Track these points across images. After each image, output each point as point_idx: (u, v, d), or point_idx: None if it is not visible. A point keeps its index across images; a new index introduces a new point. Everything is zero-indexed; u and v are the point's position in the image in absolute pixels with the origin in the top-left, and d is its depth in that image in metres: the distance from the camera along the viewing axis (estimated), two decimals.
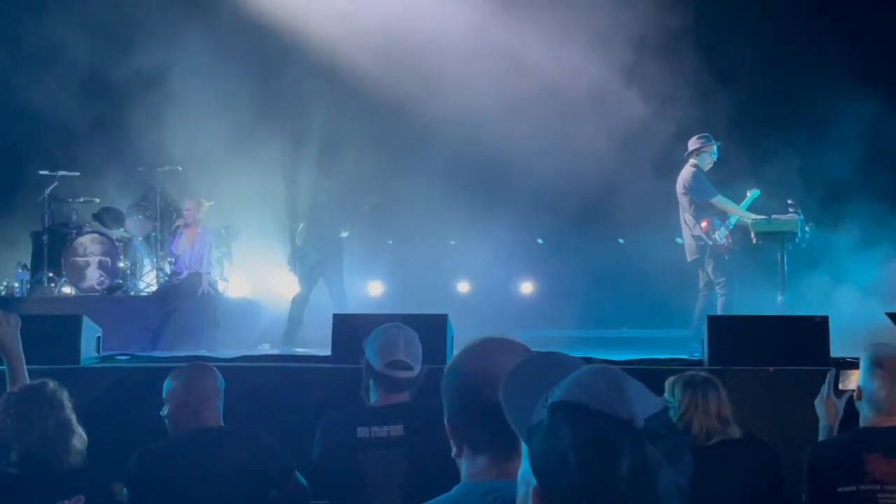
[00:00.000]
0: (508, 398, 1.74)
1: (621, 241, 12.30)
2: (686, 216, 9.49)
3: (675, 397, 4.21)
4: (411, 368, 4.03)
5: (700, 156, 9.51)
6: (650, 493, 1.40)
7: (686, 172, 9.54)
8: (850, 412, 4.13)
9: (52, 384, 3.89)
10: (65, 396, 3.86)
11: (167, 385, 4.29)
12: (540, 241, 12.92)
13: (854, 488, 3.68)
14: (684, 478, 1.45)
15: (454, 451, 2.11)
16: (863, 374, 3.88)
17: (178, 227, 10.84)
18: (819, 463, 3.88)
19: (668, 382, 4.31)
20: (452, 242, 12.51)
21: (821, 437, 4.21)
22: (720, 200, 9.43)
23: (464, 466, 2.07)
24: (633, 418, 1.41)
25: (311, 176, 11.06)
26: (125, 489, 4.16)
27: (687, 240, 9.53)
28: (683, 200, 9.51)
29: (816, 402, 4.30)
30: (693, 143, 9.59)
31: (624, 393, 1.45)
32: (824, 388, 4.27)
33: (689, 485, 1.46)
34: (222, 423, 4.29)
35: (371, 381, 4.08)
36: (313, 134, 12.22)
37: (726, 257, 9.37)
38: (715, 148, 9.56)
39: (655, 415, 1.44)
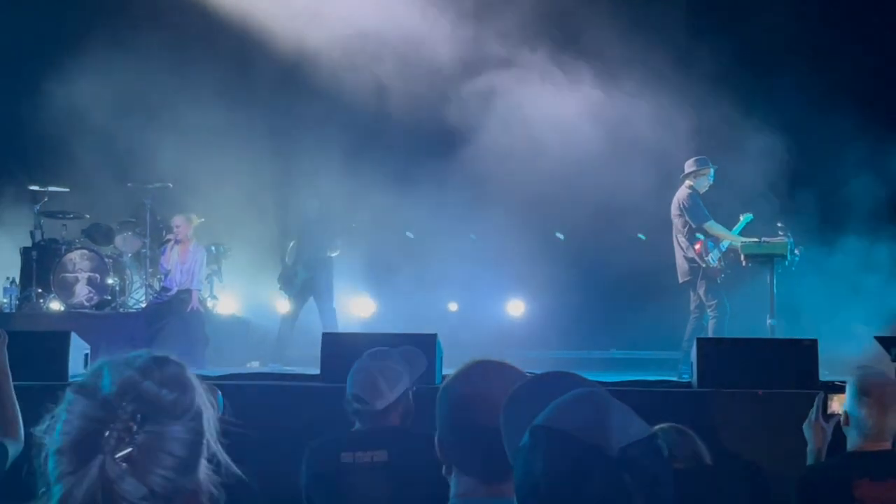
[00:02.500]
0: (507, 419, 1.73)
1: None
2: (680, 238, 9.47)
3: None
4: (367, 403, 4.05)
5: (697, 178, 9.51)
6: None
7: (682, 194, 9.52)
8: (839, 436, 4.13)
9: None
10: None
11: None
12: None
13: None
14: None
15: (444, 468, 2.10)
16: (850, 401, 3.87)
17: (168, 240, 10.79)
18: (808, 488, 3.87)
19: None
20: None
21: (809, 461, 4.20)
22: (711, 226, 9.40)
23: (452, 485, 2.07)
24: (608, 445, 1.39)
25: (301, 194, 11.05)
26: None
27: (679, 261, 9.51)
28: (678, 222, 9.49)
29: (805, 425, 4.29)
30: (690, 166, 9.58)
31: (603, 419, 1.43)
32: (812, 412, 4.26)
33: None
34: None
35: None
36: (303, 152, 12.23)
37: (718, 280, 9.35)
38: (712, 171, 9.56)
39: (636, 442, 1.41)
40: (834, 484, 3.74)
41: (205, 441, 1.58)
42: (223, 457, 1.55)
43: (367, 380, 4.10)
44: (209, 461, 1.51)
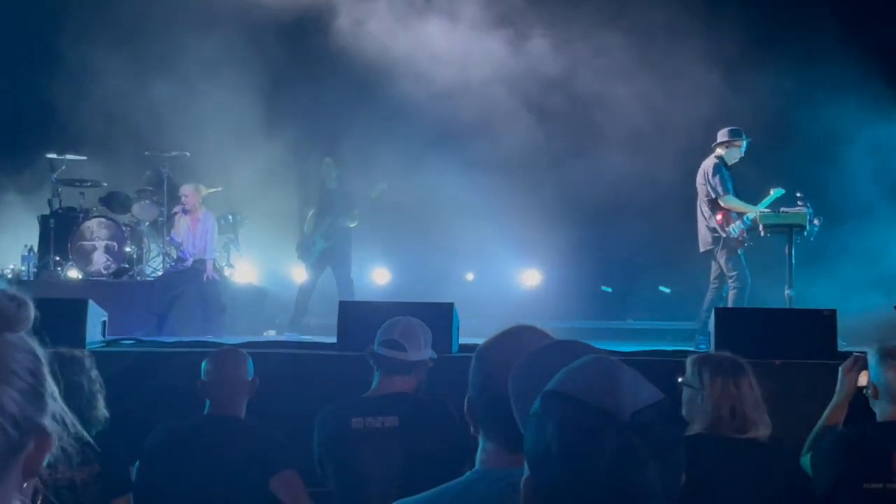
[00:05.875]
0: (515, 388, 1.73)
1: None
2: (703, 206, 9.30)
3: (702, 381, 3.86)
4: (404, 349, 4.07)
5: (729, 149, 9.33)
6: (633, 486, 1.37)
7: (708, 163, 9.34)
8: (855, 410, 4.10)
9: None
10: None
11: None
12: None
13: (881, 486, 3.58)
14: (674, 473, 1.42)
15: (472, 428, 2.11)
16: (875, 370, 3.83)
17: (174, 213, 10.78)
18: (848, 448, 3.76)
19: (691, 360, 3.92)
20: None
21: (834, 400, 4.19)
22: (729, 200, 9.16)
23: (479, 449, 2.07)
24: (619, 410, 1.38)
25: (322, 163, 11.03)
26: (137, 461, 4.19)
27: (701, 230, 9.35)
28: (701, 190, 9.31)
29: (842, 366, 4.23)
30: (722, 135, 9.37)
31: (614, 384, 1.42)
32: (849, 361, 4.20)
33: (680, 480, 1.43)
34: (242, 416, 4.29)
35: (373, 366, 4.15)
36: (324, 121, 12.22)
37: (739, 251, 9.20)
38: (744, 144, 9.37)
39: (648, 407, 1.40)
40: (871, 455, 3.66)
41: (46, 376, 1.43)
42: (69, 418, 1.45)
43: (409, 327, 4.15)
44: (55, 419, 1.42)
